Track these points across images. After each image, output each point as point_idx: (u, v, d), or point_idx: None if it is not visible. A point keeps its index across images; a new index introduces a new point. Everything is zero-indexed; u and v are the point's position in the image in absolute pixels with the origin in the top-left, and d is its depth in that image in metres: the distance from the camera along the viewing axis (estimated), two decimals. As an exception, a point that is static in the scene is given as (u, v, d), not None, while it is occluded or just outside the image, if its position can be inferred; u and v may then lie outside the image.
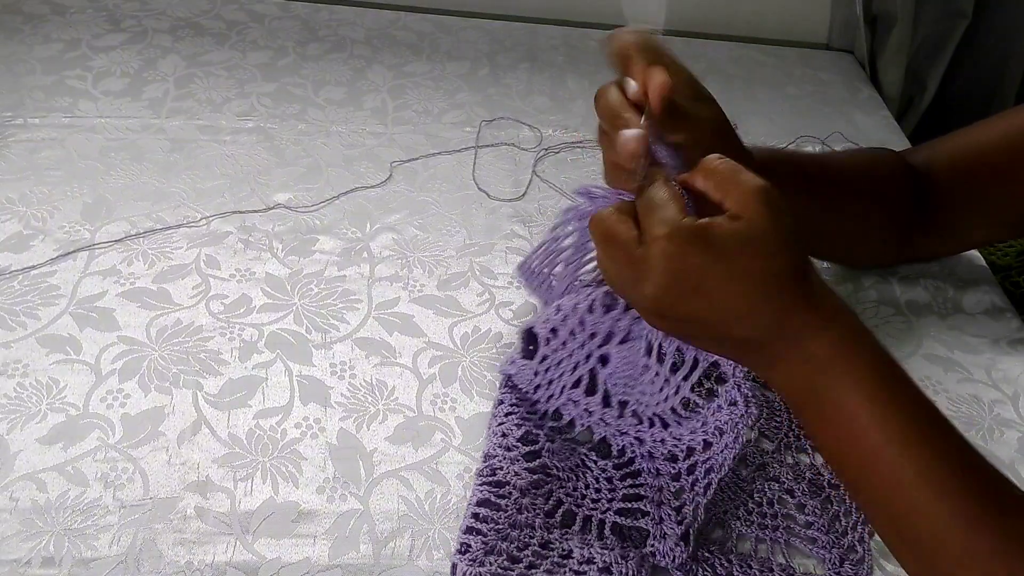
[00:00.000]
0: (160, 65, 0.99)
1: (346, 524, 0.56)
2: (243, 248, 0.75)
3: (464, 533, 0.54)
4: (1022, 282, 0.82)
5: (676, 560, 0.54)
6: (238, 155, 0.87)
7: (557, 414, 0.63)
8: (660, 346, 0.57)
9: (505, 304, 0.73)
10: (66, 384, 0.63)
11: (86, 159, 0.84)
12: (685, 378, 0.57)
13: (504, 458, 0.58)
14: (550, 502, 0.57)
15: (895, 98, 1.18)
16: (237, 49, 1.03)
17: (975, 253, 0.83)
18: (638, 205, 0.48)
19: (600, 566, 0.53)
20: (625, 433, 0.61)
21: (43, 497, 0.55)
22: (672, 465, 0.58)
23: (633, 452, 0.61)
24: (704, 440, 0.57)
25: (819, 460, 0.63)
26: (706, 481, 0.56)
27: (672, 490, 0.58)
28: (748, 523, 0.58)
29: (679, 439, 0.59)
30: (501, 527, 0.54)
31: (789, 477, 0.61)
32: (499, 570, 0.52)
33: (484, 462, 0.59)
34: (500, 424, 0.60)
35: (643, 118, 0.51)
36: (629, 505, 0.57)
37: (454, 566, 0.53)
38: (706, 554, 0.56)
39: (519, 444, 0.59)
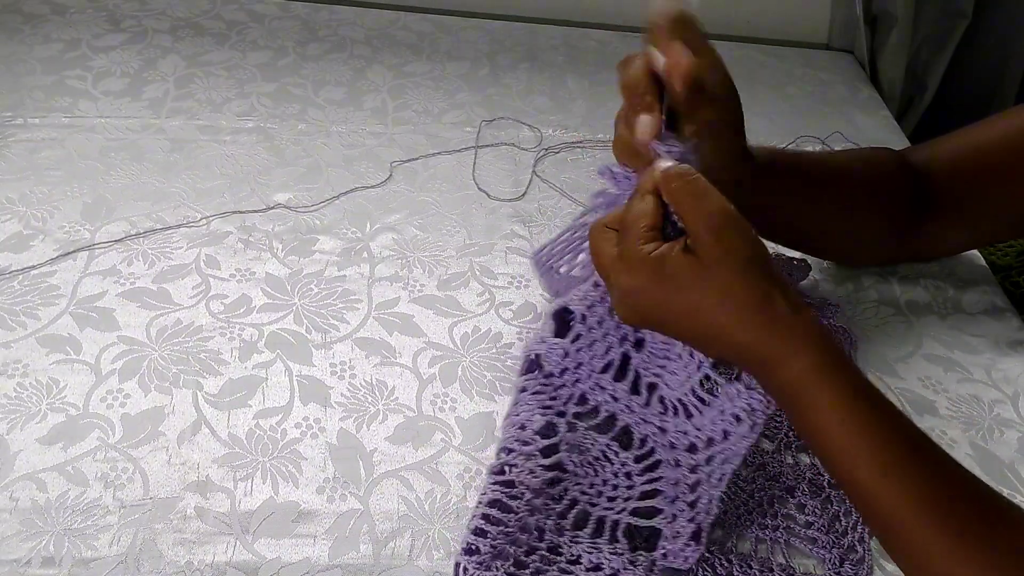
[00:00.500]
0: (160, 65, 0.99)
1: (346, 524, 0.56)
2: (243, 248, 0.76)
3: (473, 533, 0.53)
4: (1022, 282, 0.82)
5: (688, 561, 0.53)
6: (238, 155, 0.87)
7: (582, 399, 0.61)
8: None
9: (505, 304, 0.73)
10: (66, 384, 0.63)
11: (86, 159, 0.84)
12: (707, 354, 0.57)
13: (520, 453, 0.57)
14: (564, 502, 0.56)
15: (895, 98, 1.18)
16: (237, 49, 1.03)
17: (975, 253, 0.83)
18: (622, 220, 0.49)
19: (608, 572, 0.53)
20: (648, 422, 0.60)
21: (43, 497, 0.55)
22: (692, 456, 0.57)
23: (654, 442, 0.59)
24: (724, 429, 0.56)
25: (819, 460, 0.62)
26: (721, 471, 0.55)
27: (689, 482, 0.57)
28: (748, 523, 0.58)
29: (700, 429, 0.58)
30: (511, 530, 0.53)
31: (789, 477, 0.61)
32: (505, 575, 0.52)
33: (498, 458, 0.57)
34: (520, 414, 0.59)
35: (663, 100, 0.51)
36: (644, 504, 0.57)
37: (459, 566, 0.52)
38: (706, 554, 0.56)
39: (536, 437, 0.57)
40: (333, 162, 0.87)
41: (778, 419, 0.65)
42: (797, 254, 0.76)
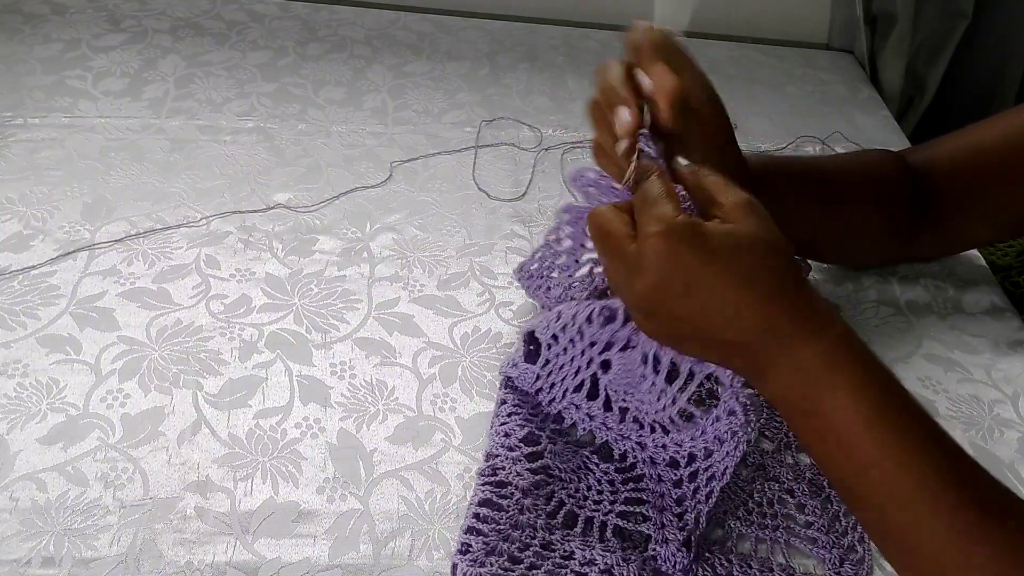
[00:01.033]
0: (160, 65, 0.99)
1: (346, 524, 0.56)
2: (243, 248, 0.76)
3: (465, 533, 0.54)
4: (1022, 282, 0.82)
5: (679, 565, 0.54)
6: (238, 155, 0.87)
7: (559, 417, 0.63)
8: (656, 356, 0.57)
9: (505, 304, 0.73)
10: (66, 384, 0.63)
11: (86, 159, 0.84)
12: (681, 390, 0.57)
13: (506, 458, 0.58)
14: (552, 503, 0.57)
15: (895, 98, 1.18)
16: (237, 49, 1.03)
17: (975, 253, 0.83)
18: (635, 200, 0.49)
19: (602, 567, 0.53)
20: (627, 438, 0.61)
21: (43, 497, 0.55)
22: (673, 471, 0.58)
23: (635, 457, 0.60)
24: (705, 447, 0.57)
25: (819, 460, 0.62)
26: (708, 489, 0.56)
27: (674, 497, 0.57)
28: (748, 523, 0.58)
29: (680, 445, 0.58)
30: (502, 527, 0.54)
31: (789, 477, 0.61)
32: (500, 571, 0.52)
33: (486, 462, 0.59)
34: (503, 424, 0.60)
35: (644, 115, 0.51)
36: (631, 509, 0.57)
37: (454, 566, 0.53)
38: (706, 554, 0.56)
39: (521, 444, 0.59)
40: (333, 162, 0.87)
41: (778, 419, 0.65)
42: (796, 255, 0.76)
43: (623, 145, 0.51)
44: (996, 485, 0.46)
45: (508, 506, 0.55)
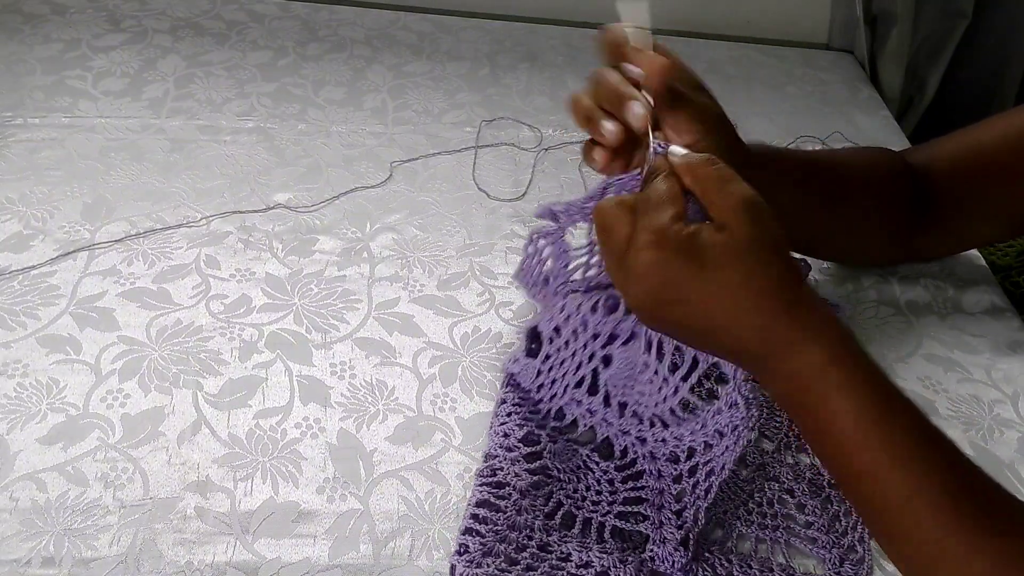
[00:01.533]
0: (160, 65, 0.99)
1: (346, 524, 0.56)
2: (243, 248, 0.76)
3: (463, 534, 0.54)
4: (1022, 282, 0.82)
5: (676, 565, 0.54)
6: (238, 155, 0.87)
7: (560, 413, 0.63)
8: (660, 344, 0.57)
9: (505, 304, 0.73)
10: (66, 384, 0.63)
11: (86, 159, 0.84)
12: (684, 378, 0.57)
13: (505, 459, 0.58)
14: (550, 503, 0.57)
15: (895, 98, 1.18)
16: (237, 49, 1.03)
17: (975, 253, 0.83)
18: (639, 199, 0.48)
19: (599, 569, 0.53)
20: (627, 433, 0.61)
21: (43, 497, 0.55)
22: (674, 466, 0.58)
23: (635, 453, 0.60)
24: (705, 442, 0.57)
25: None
26: (707, 484, 0.56)
27: (673, 492, 0.57)
28: (748, 523, 0.58)
29: (680, 439, 0.59)
30: (500, 528, 0.54)
31: (789, 477, 0.61)
32: (496, 572, 0.52)
33: (485, 462, 0.59)
34: (502, 424, 0.60)
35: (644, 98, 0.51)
36: (629, 509, 0.57)
37: (452, 567, 0.53)
38: (706, 554, 0.56)
39: (520, 444, 0.59)
40: (333, 162, 0.87)
41: (778, 419, 0.65)
42: (797, 254, 0.76)
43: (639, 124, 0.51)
44: (996, 490, 0.45)
45: (506, 507, 0.55)
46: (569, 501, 0.57)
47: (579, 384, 0.61)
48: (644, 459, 0.60)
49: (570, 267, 0.62)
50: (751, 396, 0.55)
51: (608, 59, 0.54)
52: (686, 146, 0.51)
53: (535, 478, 0.57)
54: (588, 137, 0.55)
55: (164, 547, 0.54)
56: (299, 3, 1.14)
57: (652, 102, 0.51)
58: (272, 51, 1.04)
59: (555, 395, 0.62)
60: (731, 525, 0.58)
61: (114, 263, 0.73)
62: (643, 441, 0.60)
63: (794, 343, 0.45)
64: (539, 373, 0.62)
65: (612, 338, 0.59)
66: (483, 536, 0.53)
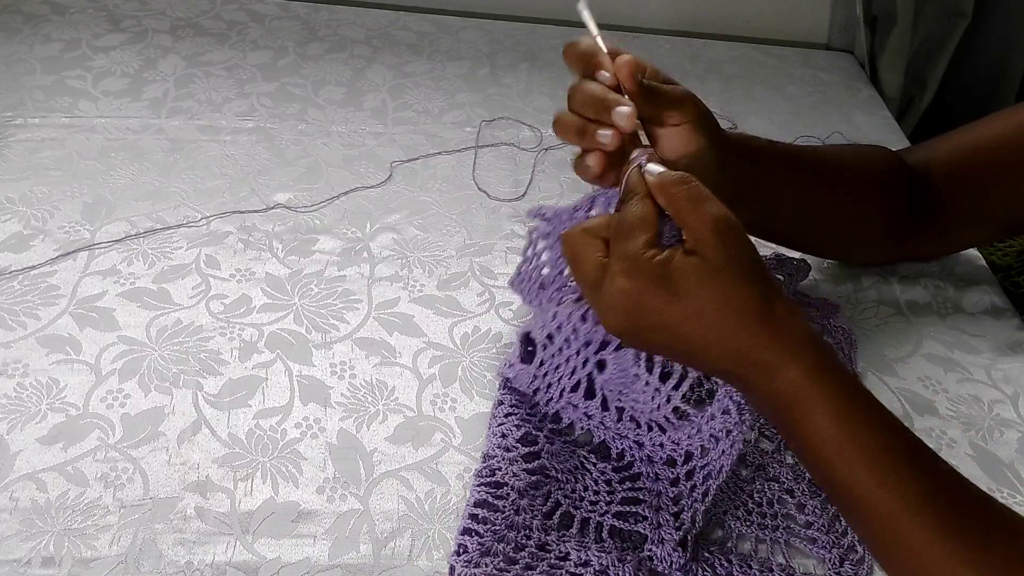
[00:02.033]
0: (160, 65, 0.99)
1: (346, 524, 0.56)
2: (243, 248, 0.76)
3: (461, 534, 0.54)
4: (1022, 282, 0.82)
5: (674, 565, 0.54)
6: (238, 155, 0.87)
7: (556, 417, 0.63)
8: (649, 356, 0.57)
9: (505, 304, 0.73)
10: (66, 384, 0.63)
11: (86, 159, 0.84)
12: (675, 387, 0.57)
13: (503, 459, 0.58)
14: (548, 503, 0.57)
15: (895, 98, 1.18)
16: (237, 49, 1.03)
17: (975, 253, 0.83)
18: (612, 222, 0.49)
19: (597, 568, 0.53)
20: (624, 437, 0.61)
21: (43, 497, 0.55)
22: (671, 470, 0.58)
23: (632, 456, 0.60)
24: (701, 446, 0.57)
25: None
26: (704, 487, 0.56)
27: (670, 495, 0.57)
28: (748, 523, 0.58)
29: (677, 443, 0.59)
30: (498, 528, 0.54)
31: (789, 477, 0.61)
32: (495, 571, 0.52)
33: (483, 463, 0.59)
34: (500, 425, 0.60)
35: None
36: (627, 509, 0.57)
37: (451, 568, 0.53)
38: (706, 554, 0.56)
39: (518, 445, 0.59)
40: (333, 162, 0.87)
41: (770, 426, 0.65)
42: (797, 254, 0.76)
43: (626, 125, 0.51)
44: (980, 499, 0.45)
45: (504, 507, 0.55)
46: (567, 501, 0.57)
47: (575, 388, 0.61)
48: (641, 462, 0.60)
49: (566, 272, 0.62)
50: (743, 401, 0.55)
51: (580, 72, 0.54)
52: (676, 138, 0.52)
53: (533, 478, 0.57)
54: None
55: (164, 547, 0.54)
56: (299, 3, 1.14)
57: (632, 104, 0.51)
58: (272, 51, 1.04)
59: (551, 399, 0.62)
60: (731, 525, 0.58)
61: (114, 263, 0.73)
62: (640, 445, 0.60)
63: (771, 364, 0.46)
64: (534, 378, 0.62)
65: (604, 344, 0.59)
66: (481, 536, 0.54)
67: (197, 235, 0.76)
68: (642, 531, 0.56)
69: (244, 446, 0.60)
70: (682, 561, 0.54)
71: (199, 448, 0.59)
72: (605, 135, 0.51)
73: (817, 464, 0.46)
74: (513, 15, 1.18)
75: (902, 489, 0.44)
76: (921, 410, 0.67)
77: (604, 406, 0.61)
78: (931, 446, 0.47)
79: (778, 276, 0.70)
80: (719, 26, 1.20)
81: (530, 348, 0.63)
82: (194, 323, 0.68)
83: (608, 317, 0.48)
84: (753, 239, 0.48)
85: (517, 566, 0.53)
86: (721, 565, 0.55)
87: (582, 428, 0.62)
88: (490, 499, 0.56)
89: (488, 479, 0.57)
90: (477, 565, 0.52)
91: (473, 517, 0.55)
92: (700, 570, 0.55)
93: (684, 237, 0.47)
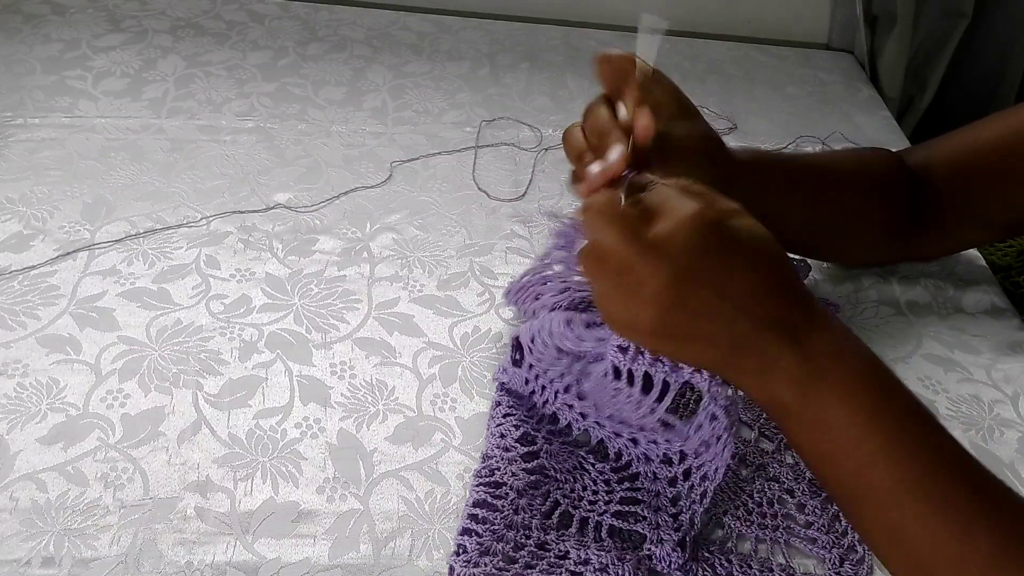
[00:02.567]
0: (160, 65, 0.99)
1: (346, 524, 0.56)
2: (243, 248, 0.76)
3: (460, 535, 0.54)
4: (1022, 282, 0.82)
5: (673, 565, 0.54)
6: (238, 155, 0.87)
7: (554, 418, 0.63)
8: (630, 371, 0.54)
9: (505, 304, 0.73)
10: (66, 384, 0.63)
11: (86, 159, 0.84)
12: (658, 400, 0.56)
13: (502, 459, 0.58)
14: (547, 503, 0.57)
15: (895, 98, 1.18)
16: (237, 49, 1.03)
17: (975, 253, 0.83)
18: (650, 197, 0.47)
19: (596, 567, 0.53)
20: (619, 435, 0.61)
21: (43, 497, 0.55)
22: (668, 468, 0.58)
23: (629, 455, 0.60)
24: (696, 449, 0.57)
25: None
26: (701, 489, 0.56)
27: (669, 496, 0.57)
28: (748, 523, 0.58)
29: (671, 441, 0.58)
30: (497, 528, 0.54)
31: (789, 477, 0.61)
32: (494, 570, 0.52)
33: (482, 463, 0.59)
34: (498, 425, 0.60)
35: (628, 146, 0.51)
36: (626, 508, 0.57)
37: (451, 568, 0.53)
38: (706, 554, 0.56)
39: (517, 445, 0.59)
40: (333, 162, 0.87)
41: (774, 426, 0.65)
42: (795, 255, 0.76)
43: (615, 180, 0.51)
44: (993, 480, 0.46)
45: (503, 506, 0.55)
46: (566, 500, 0.57)
47: (567, 389, 0.61)
48: (639, 461, 0.60)
49: (575, 278, 0.63)
50: (728, 405, 0.54)
51: (606, 86, 0.53)
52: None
53: (532, 477, 0.57)
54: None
55: (164, 547, 0.54)
56: (299, 3, 1.14)
57: (630, 151, 0.51)
58: (272, 51, 1.04)
59: (547, 400, 0.62)
60: (731, 525, 0.58)
61: (114, 263, 0.73)
62: (636, 443, 0.60)
63: (808, 325, 0.46)
64: (527, 381, 0.62)
65: (579, 356, 0.59)
66: (480, 536, 0.54)
67: (197, 235, 0.76)
68: (641, 531, 0.56)
69: (244, 446, 0.60)
70: (681, 561, 0.54)
71: (199, 448, 0.59)
72: (593, 174, 0.51)
73: (829, 446, 0.46)
74: (513, 15, 1.18)
75: (922, 466, 0.44)
76: (921, 410, 0.67)
77: (596, 408, 0.61)
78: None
79: None
80: (719, 26, 1.20)
81: (518, 355, 0.63)
82: (194, 323, 0.68)
83: (653, 281, 0.44)
84: None
85: (516, 565, 0.53)
86: (721, 565, 0.55)
87: (579, 428, 0.62)
88: (489, 499, 0.56)
89: (487, 479, 0.57)
90: (476, 565, 0.52)
91: (472, 517, 0.55)
92: (700, 570, 0.55)
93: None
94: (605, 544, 0.55)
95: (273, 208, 0.80)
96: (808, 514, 0.59)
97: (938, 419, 0.47)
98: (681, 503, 0.57)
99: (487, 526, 0.54)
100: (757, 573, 0.55)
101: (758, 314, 0.45)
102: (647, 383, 0.54)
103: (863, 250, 0.75)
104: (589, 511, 0.57)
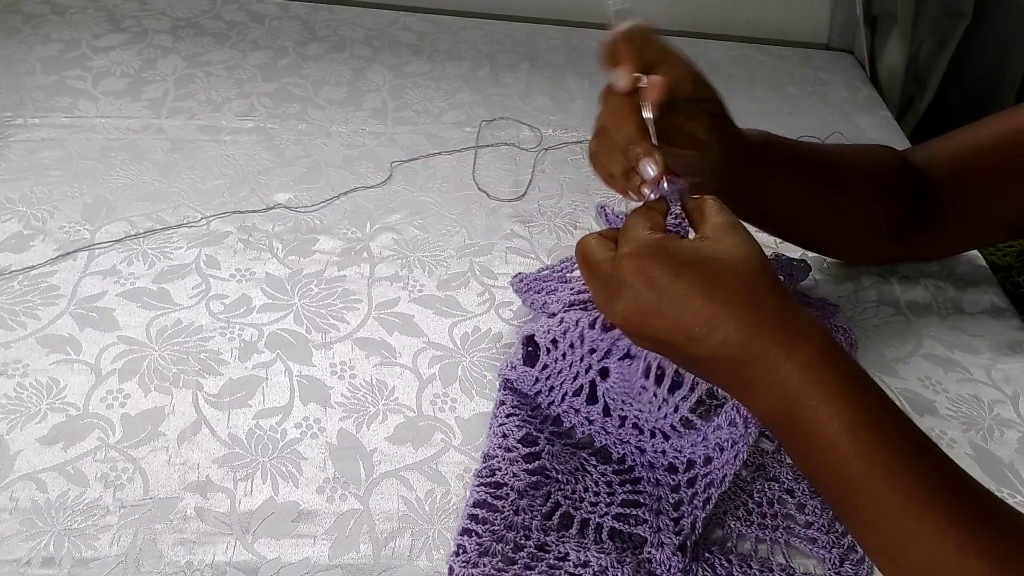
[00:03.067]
0: (160, 65, 0.99)
1: (346, 524, 0.56)
2: (243, 248, 0.76)
3: (460, 535, 0.54)
4: (1022, 282, 0.82)
5: (673, 569, 0.54)
6: (238, 155, 0.87)
7: (558, 420, 0.63)
8: (659, 366, 0.57)
9: (505, 304, 0.73)
10: (66, 384, 0.63)
11: (86, 159, 0.84)
12: (684, 399, 0.57)
13: (503, 459, 0.58)
14: (548, 504, 0.57)
15: (895, 98, 1.18)
16: (237, 49, 1.03)
17: (975, 253, 0.83)
18: (622, 227, 0.50)
19: (596, 569, 0.53)
20: (626, 442, 0.61)
21: (43, 497, 0.55)
22: (672, 476, 0.58)
23: (633, 461, 0.60)
24: (705, 455, 0.57)
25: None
26: (705, 496, 0.56)
27: (671, 501, 0.57)
28: (748, 523, 0.58)
29: (680, 451, 0.59)
30: (497, 528, 0.54)
31: (789, 477, 0.61)
32: (493, 571, 0.52)
33: (483, 463, 0.59)
34: (501, 425, 0.60)
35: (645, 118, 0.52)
36: (627, 511, 0.57)
37: (450, 569, 0.53)
38: (706, 554, 0.56)
39: (519, 445, 0.59)
40: (333, 162, 0.87)
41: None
42: (797, 253, 0.76)
43: (646, 190, 0.52)
44: (987, 495, 0.45)
45: (503, 507, 0.55)
46: (567, 502, 0.57)
47: (577, 393, 0.61)
48: (642, 467, 0.60)
49: (579, 293, 0.63)
50: (749, 415, 0.54)
51: (610, 68, 0.53)
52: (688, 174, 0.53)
53: (533, 478, 0.57)
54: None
55: (164, 547, 0.54)
56: (299, 3, 1.14)
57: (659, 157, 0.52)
58: (272, 51, 1.04)
59: (553, 403, 0.62)
60: (731, 525, 0.58)
61: (114, 263, 0.73)
62: (642, 451, 0.60)
63: (775, 351, 0.45)
64: (536, 380, 0.62)
65: (609, 352, 0.59)
66: (480, 536, 0.53)
67: (197, 235, 0.76)
68: (642, 533, 0.56)
69: (244, 446, 0.60)
70: (681, 565, 0.54)
71: (199, 448, 0.59)
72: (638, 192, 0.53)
73: (821, 460, 0.45)
74: (513, 15, 1.18)
75: (912, 482, 0.43)
76: (921, 410, 0.67)
77: (606, 412, 0.61)
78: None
79: (779, 276, 0.70)
80: (719, 26, 1.20)
81: (531, 350, 0.63)
82: (194, 323, 0.68)
83: (613, 305, 0.48)
84: (756, 236, 0.49)
85: (516, 566, 0.53)
86: (721, 565, 0.55)
87: (583, 432, 0.62)
88: (489, 499, 0.56)
89: (488, 479, 0.57)
90: (475, 565, 0.52)
91: (472, 517, 0.55)
92: (700, 570, 0.55)
93: (699, 235, 0.49)
94: (605, 546, 0.55)
95: (273, 208, 0.80)
96: (808, 514, 0.59)
97: (927, 436, 0.46)
98: (683, 508, 0.57)
99: (487, 526, 0.54)
100: (757, 573, 0.55)
101: (718, 339, 0.46)
102: (675, 384, 0.57)
103: (864, 247, 0.75)
104: (590, 512, 0.57)
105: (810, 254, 0.77)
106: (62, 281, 0.70)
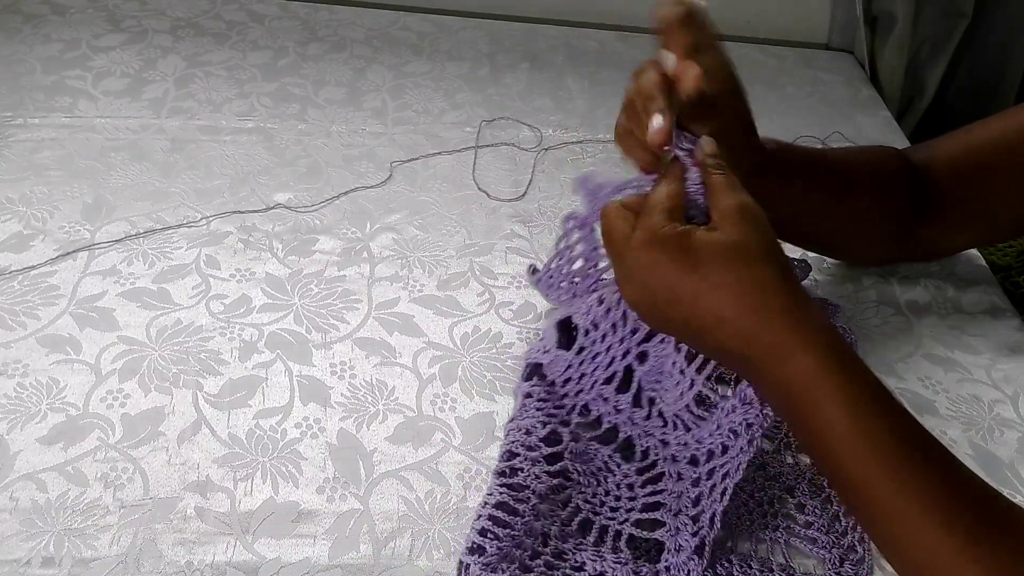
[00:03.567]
0: (160, 65, 0.99)
1: (346, 524, 0.56)
2: (243, 248, 0.76)
3: (479, 534, 0.53)
4: (1022, 282, 0.82)
5: (693, 574, 0.53)
6: (238, 155, 0.87)
7: (585, 409, 0.62)
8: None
9: (505, 304, 0.73)
10: (66, 384, 0.63)
11: (86, 159, 0.84)
12: (699, 370, 0.57)
13: (526, 458, 0.56)
14: (567, 509, 0.56)
15: (895, 98, 1.18)
16: (237, 49, 1.03)
17: (975, 253, 0.83)
18: (642, 202, 0.50)
19: None
20: (651, 435, 0.60)
21: (43, 497, 0.55)
22: (693, 469, 0.58)
23: (656, 455, 0.60)
24: (722, 443, 0.57)
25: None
26: (722, 486, 0.55)
27: (691, 496, 0.57)
28: (748, 523, 0.58)
29: (700, 442, 0.58)
30: (517, 534, 0.53)
31: (789, 477, 0.61)
32: None
33: (504, 460, 0.57)
34: (525, 419, 0.59)
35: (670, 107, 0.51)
36: (647, 516, 0.57)
37: (466, 566, 0.52)
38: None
39: (541, 444, 0.58)
40: (333, 162, 0.87)
41: (779, 420, 0.65)
42: (797, 253, 0.76)
43: (656, 139, 0.51)
44: (992, 497, 0.45)
45: (524, 511, 0.54)
46: (587, 506, 0.56)
47: (608, 380, 0.61)
48: (665, 461, 0.59)
49: (600, 265, 0.63)
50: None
51: (659, 38, 0.53)
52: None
53: (555, 481, 0.56)
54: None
55: (164, 547, 0.54)
56: (299, 3, 1.14)
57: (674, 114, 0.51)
58: (272, 51, 1.04)
59: (582, 390, 0.61)
60: (731, 525, 0.58)
61: (114, 263, 0.73)
62: (665, 444, 0.60)
63: (781, 351, 0.45)
64: (569, 366, 0.61)
65: (651, 334, 0.59)
66: (500, 540, 0.52)
67: (197, 235, 0.76)
68: (659, 539, 0.55)
69: (244, 446, 0.60)
70: (699, 571, 0.53)
71: (199, 448, 0.59)
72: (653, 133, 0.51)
73: (826, 459, 0.46)
74: (513, 15, 1.18)
75: (916, 483, 0.44)
76: (921, 410, 0.67)
77: (636, 402, 0.61)
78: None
79: (789, 266, 0.70)
80: (719, 26, 1.19)
81: (565, 337, 0.62)
82: (194, 323, 0.68)
83: (626, 288, 0.49)
84: None
85: (531, 574, 0.52)
86: (721, 565, 0.55)
87: (609, 423, 0.61)
88: (511, 502, 0.54)
89: (509, 480, 0.56)
90: (495, 570, 0.51)
91: (493, 519, 0.53)
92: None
93: (711, 217, 0.49)
94: (622, 555, 0.54)
95: (273, 208, 0.80)
96: (808, 514, 0.59)
97: (933, 436, 0.46)
98: (703, 503, 0.56)
99: (507, 530, 0.53)
100: (757, 573, 0.55)
101: (728, 332, 0.46)
102: (689, 355, 0.57)
103: (869, 249, 0.75)
104: (610, 518, 0.56)
105: (810, 254, 0.77)
106: (62, 281, 0.70)
